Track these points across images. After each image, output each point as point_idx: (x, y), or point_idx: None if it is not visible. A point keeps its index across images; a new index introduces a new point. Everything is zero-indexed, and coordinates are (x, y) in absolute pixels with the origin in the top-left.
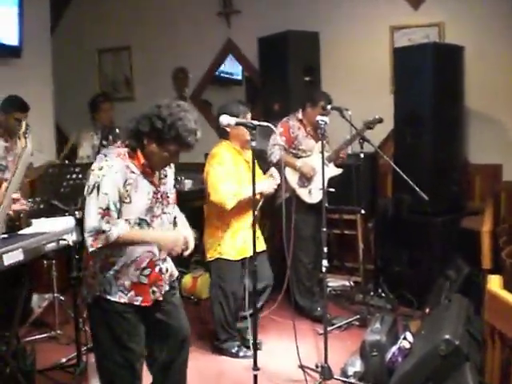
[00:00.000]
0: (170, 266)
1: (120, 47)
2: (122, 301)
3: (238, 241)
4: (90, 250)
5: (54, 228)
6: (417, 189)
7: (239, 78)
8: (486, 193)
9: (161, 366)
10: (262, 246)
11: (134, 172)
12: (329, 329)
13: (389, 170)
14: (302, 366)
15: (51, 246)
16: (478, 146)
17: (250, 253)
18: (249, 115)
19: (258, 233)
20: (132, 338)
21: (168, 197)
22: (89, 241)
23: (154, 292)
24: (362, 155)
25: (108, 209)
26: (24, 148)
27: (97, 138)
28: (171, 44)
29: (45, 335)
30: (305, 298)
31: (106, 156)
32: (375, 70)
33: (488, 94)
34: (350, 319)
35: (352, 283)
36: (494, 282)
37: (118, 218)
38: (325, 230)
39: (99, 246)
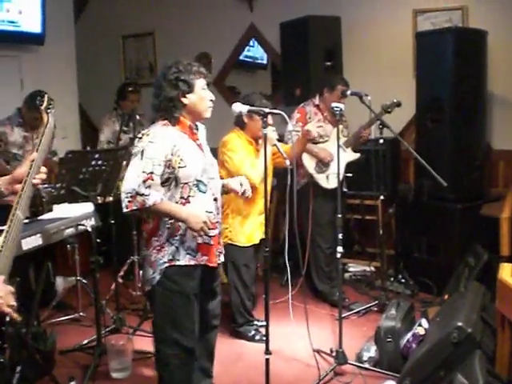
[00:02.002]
0: (221, 241)
1: (144, 33)
2: (192, 263)
3: (247, 227)
4: (125, 210)
5: (73, 213)
6: (435, 175)
7: (264, 62)
8: (509, 179)
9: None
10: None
11: (182, 137)
12: (346, 314)
13: (410, 155)
14: (315, 351)
15: (70, 231)
16: (501, 131)
17: (257, 239)
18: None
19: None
20: (192, 320)
21: (213, 164)
22: (125, 201)
23: (218, 254)
24: (381, 140)
25: (152, 173)
26: (46, 123)
27: (118, 124)
28: (194, 29)
29: (68, 317)
30: (324, 283)
31: (152, 126)
32: (397, 55)
33: (511, 79)
34: (369, 305)
35: (372, 268)
36: (506, 271)
37: (176, 184)
38: (340, 216)
39: (134, 208)
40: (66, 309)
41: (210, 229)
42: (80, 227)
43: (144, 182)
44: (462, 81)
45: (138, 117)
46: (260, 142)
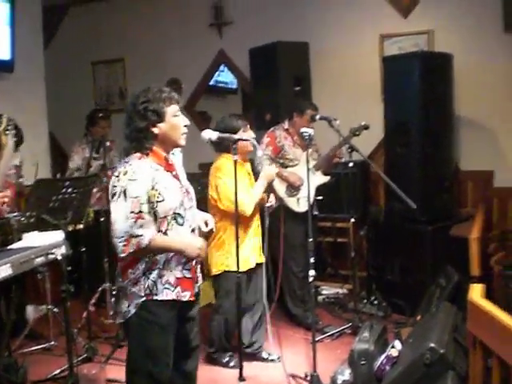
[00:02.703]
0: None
1: (114, 59)
2: (170, 297)
3: (244, 252)
4: (122, 255)
5: (44, 242)
6: (405, 197)
7: (234, 87)
8: (477, 199)
9: (182, 374)
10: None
11: (158, 170)
12: (320, 337)
13: (380, 178)
14: (290, 375)
15: (40, 260)
16: (468, 152)
17: (253, 264)
18: (247, 128)
19: (259, 242)
20: (167, 352)
21: (189, 192)
22: (120, 246)
23: (197, 286)
24: (351, 164)
25: (140, 212)
26: (4, 145)
27: (88, 150)
28: (164, 55)
29: (39, 347)
30: (297, 307)
31: (127, 162)
32: (365, 79)
33: (478, 101)
34: (342, 327)
35: (345, 291)
36: (476, 291)
37: (155, 218)
38: (311, 240)
39: (130, 251)
40: (38, 338)
41: (189, 259)
42: (50, 256)
43: (135, 222)
44: (429, 104)
45: (108, 143)
46: (261, 174)
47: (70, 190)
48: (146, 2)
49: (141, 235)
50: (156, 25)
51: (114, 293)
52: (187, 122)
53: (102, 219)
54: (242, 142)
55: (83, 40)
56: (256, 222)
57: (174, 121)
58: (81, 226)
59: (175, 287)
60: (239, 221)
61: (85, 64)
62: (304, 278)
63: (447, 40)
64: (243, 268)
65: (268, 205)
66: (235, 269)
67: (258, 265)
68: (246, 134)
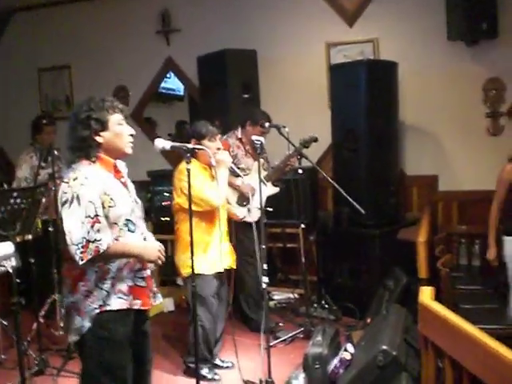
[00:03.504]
0: (155, 280)
1: (60, 66)
2: (124, 307)
3: (210, 255)
4: (80, 263)
5: None
6: (353, 202)
7: (181, 93)
8: (423, 203)
9: None
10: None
11: (108, 176)
12: (274, 342)
13: (329, 183)
14: (245, 382)
15: None
16: (413, 158)
17: (222, 267)
18: (218, 136)
19: (230, 247)
20: (124, 367)
21: (137, 202)
22: (77, 254)
23: (153, 295)
24: (300, 171)
25: (96, 215)
26: None
27: (36, 159)
28: (111, 62)
29: None
30: (254, 312)
31: (75, 168)
32: (313, 87)
33: (422, 107)
34: (294, 332)
35: (296, 296)
36: (426, 294)
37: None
38: (264, 247)
39: (89, 257)
40: None
41: (142, 268)
42: (0, 268)
43: (92, 227)
44: (375, 111)
45: (56, 152)
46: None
47: (18, 200)
48: (93, 9)
49: (99, 240)
50: (103, 31)
51: (63, 309)
52: (132, 131)
53: (51, 229)
54: (202, 150)
55: (29, 46)
56: (224, 228)
57: (118, 129)
58: (29, 237)
59: (128, 295)
60: (205, 223)
61: (31, 71)
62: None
63: (392, 48)
64: (211, 271)
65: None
66: (201, 271)
67: (227, 270)
68: (212, 144)
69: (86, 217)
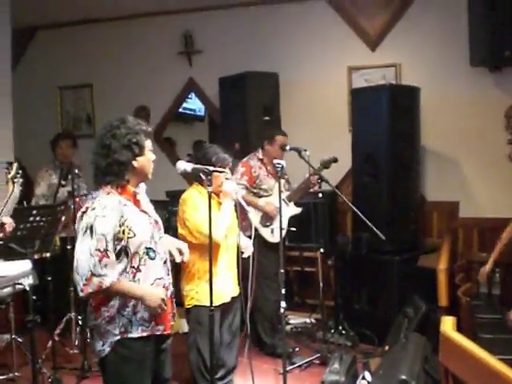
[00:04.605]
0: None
1: (82, 84)
2: (145, 334)
3: (217, 285)
4: (81, 294)
5: (11, 272)
6: (374, 228)
7: (202, 114)
8: (443, 230)
9: None
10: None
11: (126, 205)
12: (289, 368)
13: (348, 208)
14: None
15: (7, 290)
16: (434, 184)
17: (227, 297)
18: (229, 165)
19: (235, 276)
20: None
21: (157, 222)
22: (80, 285)
23: (172, 317)
24: (320, 194)
25: (106, 250)
26: (11, 192)
27: (55, 176)
28: (133, 82)
29: (3, 377)
30: (270, 336)
31: (95, 197)
32: (334, 110)
33: (444, 133)
34: (311, 358)
35: (313, 320)
36: (448, 324)
37: (127, 255)
38: (282, 271)
39: (90, 291)
40: (1, 368)
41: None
42: (18, 286)
43: (100, 261)
44: (397, 136)
45: (76, 170)
46: (221, 195)
47: (37, 218)
48: (116, 29)
49: (104, 275)
50: (125, 51)
51: (78, 328)
52: (154, 157)
53: (69, 247)
54: (215, 174)
55: (51, 64)
56: (231, 256)
57: (150, 155)
58: (48, 255)
59: (150, 322)
60: (206, 253)
61: (52, 89)
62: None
63: (414, 73)
64: (216, 302)
65: (245, 255)
66: (206, 303)
67: (234, 298)
68: (222, 172)
69: (96, 250)
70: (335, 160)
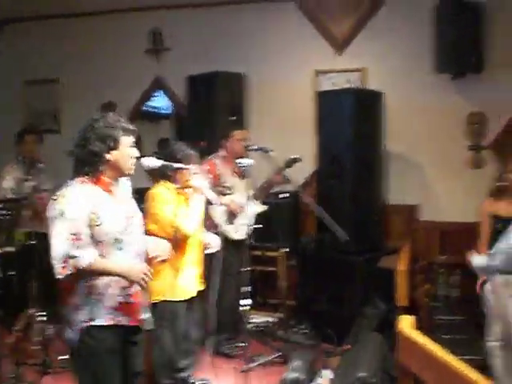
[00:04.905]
0: (146, 296)
1: (48, 79)
2: (111, 322)
3: (183, 280)
4: (59, 277)
5: None
6: (337, 228)
7: (168, 112)
8: (403, 232)
9: None
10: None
11: (99, 194)
12: (250, 366)
13: (312, 208)
14: None
15: None
16: (396, 187)
17: (193, 292)
18: (195, 161)
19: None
20: (115, 376)
21: (134, 217)
22: (57, 268)
23: (140, 312)
24: (283, 194)
25: (79, 233)
26: None
27: (20, 172)
28: (100, 78)
29: None
30: (227, 335)
31: (69, 185)
32: (300, 112)
33: (406, 138)
34: (272, 356)
35: (275, 319)
36: (405, 322)
37: (94, 243)
38: (248, 269)
39: (68, 272)
40: None
41: (131, 284)
42: None
43: (74, 243)
44: (360, 139)
45: (40, 164)
46: (190, 191)
47: (3, 212)
48: (84, 24)
49: (79, 256)
50: (94, 47)
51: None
52: (137, 153)
53: (33, 242)
54: (182, 171)
55: (18, 59)
56: (197, 252)
57: (128, 151)
58: (12, 249)
59: (115, 311)
60: (177, 249)
61: (18, 83)
62: (237, 305)
63: (379, 78)
64: (181, 297)
65: (208, 251)
66: (172, 298)
67: (199, 293)
68: (189, 168)
69: (70, 233)
70: (298, 160)
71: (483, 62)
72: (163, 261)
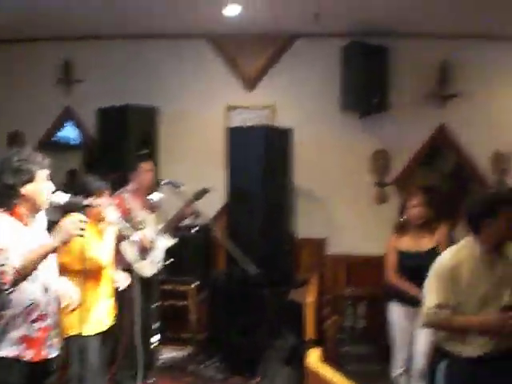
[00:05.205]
0: (56, 333)
1: None
2: (11, 355)
3: (96, 314)
4: (6, 287)
5: None
6: (246, 262)
7: (77, 143)
8: (312, 265)
9: None
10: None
11: (15, 227)
12: None
13: (223, 241)
14: None
15: None
16: (305, 221)
17: (106, 326)
18: (106, 193)
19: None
20: None
21: None
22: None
23: (46, 348)
24: (194, 228)
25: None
26: None
27: None
28: (9, 107)
29: None
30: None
31: None
32: (211, 147)
33: (315, 173)
34: None
35: (186, 354)
36: (314, 355)
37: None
38: (157, 304)
39: (11, 277)
40: None
41: (39, 318)
42: None
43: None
44: (270, 174)
45: None
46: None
47: None
48: None
49: (7, 261)
50: (4, 75)
51: None
52: (53, 188)
53: None
54: (93, 204)
55: None
56: (110, 286)
57: (42, 185)
58: None
59: (18, 344)
60: (89, 282)
61: None
62: (145, 342)
63: (289, 115)
64: (92, 331)
65: (116, 285)
66: (84, 332)
67: (111, 329)
68: (99, 201)
69: None
70: (207, 191)
71: (387, 101)
72: (72, 310)
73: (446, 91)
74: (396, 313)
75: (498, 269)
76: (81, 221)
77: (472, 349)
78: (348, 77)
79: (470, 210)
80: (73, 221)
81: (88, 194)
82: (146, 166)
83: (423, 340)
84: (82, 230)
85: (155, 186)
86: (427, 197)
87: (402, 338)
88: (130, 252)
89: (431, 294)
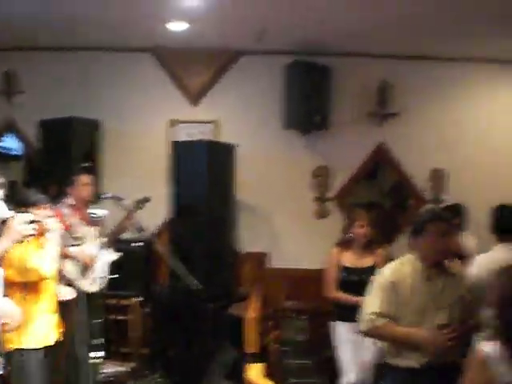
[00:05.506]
0: None
1: None
2: None
3: (39, 328)
4: None
5: None
6: (188, 276)
7: (19, 154)
8: (253, 279)
9: None
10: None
11: None
12: None
13: (165, 255)
14: None
15: None
16: (247, 236)
17: (51, 341)
18: (47, 205)
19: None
20: None
21: None
22: None
23: None
24: (137, 243)
25: None
26: None
27: None
28: None
29: None
30: None
31: None
32: (154, 161)
33: (257, 188)
34: None
35: (128, 369)
36: (254, 370)
37: None
38: (100, 320)
39: None
40: None
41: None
42: None
43: None
44: (214, 188)
45: None
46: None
47: None
48: None
49: None
50: None
51: None
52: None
53: None
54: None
55: None
56: (54, 300)
57: None
58: None
59: None
60: (30, 295)
61: None
62: (88, 357)
63: (232, 130)
64: (34, 345)
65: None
66: (27, 346)
67: (57, 343)
68: (39, 212)
69: None
70: (148, 199)
71: (328, 119)
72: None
73: (385, 110)
74: (341, 330)
75: (437, 285)
76: (30, 220)
77: (407, 361)
78: (291, 95)
79: (410, 229)
80: (21, 220)
81: (27, 206)
82: (83, 179)
83: (370, 354)
84: (34, 229)
85: (96, 199)
86: (372, 215)
87: (349, 355)
88: (70, 270)
89: (372, 301)
